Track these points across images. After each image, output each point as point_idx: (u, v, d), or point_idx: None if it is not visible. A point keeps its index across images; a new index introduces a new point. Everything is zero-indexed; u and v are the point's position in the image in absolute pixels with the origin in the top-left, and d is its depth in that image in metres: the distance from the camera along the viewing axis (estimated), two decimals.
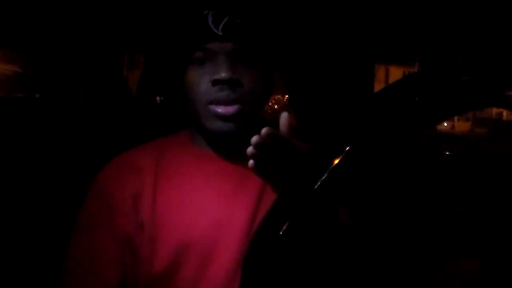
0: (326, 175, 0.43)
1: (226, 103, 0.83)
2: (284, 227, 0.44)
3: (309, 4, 1.52)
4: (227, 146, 0.91)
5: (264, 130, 0.71)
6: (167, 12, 0.90)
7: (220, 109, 0.83)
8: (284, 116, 0.76)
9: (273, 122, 0.85)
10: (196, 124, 0.89)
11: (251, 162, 0.74)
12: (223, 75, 0.82)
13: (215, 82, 0.83)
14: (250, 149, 0.72)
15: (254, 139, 0.72)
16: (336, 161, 0.44)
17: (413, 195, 1.56)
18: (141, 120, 1.82)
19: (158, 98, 1.91)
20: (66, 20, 1.66)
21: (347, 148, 0.44)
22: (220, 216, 0.86)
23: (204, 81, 0.84)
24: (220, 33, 0.83)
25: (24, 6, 1.54)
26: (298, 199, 0.45)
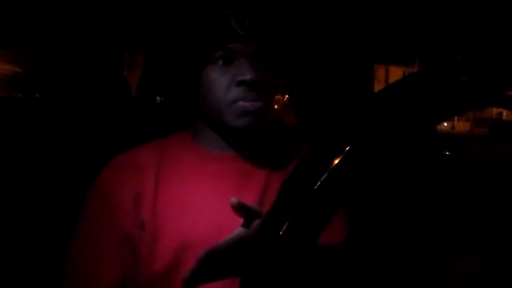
0: (326, 175, 0.43)
1: (252, 100, 0.85)
2: (284, 227, 0.44)
3: (309, 4, 1.52)
4: (232, 146, 0.92)
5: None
6: (185, 12, 0.91)
7: (249, 105, 0.84)
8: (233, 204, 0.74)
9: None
10: (213, 122, 0.90)
11: None
12: (248, 76, 0.83)
13: (241, 83, 0.84)
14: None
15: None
16: (336, 161, 0.44)
17: (413, 195, 1.56)
18: (141, 120, 1.82)
19: (158, 98, 1.91)
20: (66, 20, 1.66)
21: (347, 148, 0.44)
22: (221, 217, 0.86)
23: (226, 81, 0.85)
24: (244, 34, 0.84)
25: (24, 6, 1.54)
26: (298, 199, 0.45)
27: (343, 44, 1.64)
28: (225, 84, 0.85)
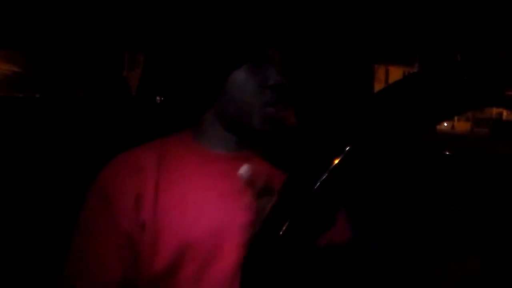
0: (326, 175, 0.43)
1: (282, 106, 0.86)
2: (284, 227, 0.44)
3: (309, 4, 1.52)
4: (237, 147, 0.92)
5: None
6: (219, 14, 0.92)
7: (280, 113, 0.86)
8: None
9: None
10: (234, 123, 0.90)
11: None
12: (280, 81, 0.85)
13: (273, 87, 0.85)
14: None
15: None
16: (336, 161, 0.44)
17: (413, 195, 1.56)
18: (141, 120, 1.82)
19: (158, 98, 1.90)
20: (66, 20, 1.66)
21: (347, 148, 0.44)
22: (222, 217, 0.86)
23: (256, 84, 0.86)
24: (275, 39, 0.86)
25: (24, 6, 1.54)
26: (298, 199, 0.45)
27: (343, 44, 1.64)
28: (256, 88, 0.86)
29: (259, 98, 0.86)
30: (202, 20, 0.96)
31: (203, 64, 0.91)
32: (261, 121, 0.86)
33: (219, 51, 0.89)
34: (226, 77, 0.88)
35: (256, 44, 0.86)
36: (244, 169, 0.74)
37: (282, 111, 0.86)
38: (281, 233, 0.44)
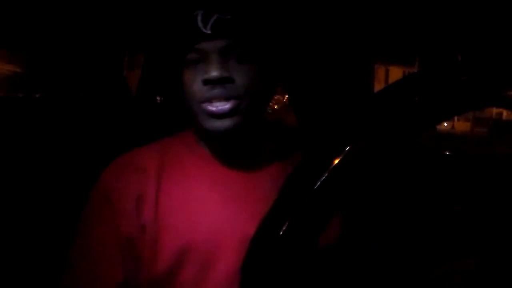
0: (326, 175, 0.43)
1: (218, 100, 0.82)
2: (284, 227, 0.44)
3: (309, 3, 1.52)
4: (231, 147, 0.91)
5: None
6: (159, 14, 0.90)
7: (213, 108, 0.82)
8: None
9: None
10: (195, 124, 0.89)
11: None
12: (212, 74, 0.81)
13: (206, 82, 0.82)
14: None
15: None
16: (336, 161, 0.44)
17: (413, 195, 1.56)
18: (141, 120, 1.82)
19: (158, 98, 1.91)
20: (66, 20, 1.66)
21: (347, 148, 0.44)
22: (223, 220, 0.86)
23: (196, 81, 0.84)
24: (209, 32, 0.83)
25: (24, 6, 1.54)
26: (298, 199, 0.45)
27: (343, 44, 1.64)
28: (195, 85, 0.84)
29: (196, 96, 0.84)
30: (149, 24, 0.95)
31: (161, 66, 0.91)
32: (202, 120, 0.84)
33: (164, 53, 0.88)
34: (176, 77, 0.86)
35: (186, 42, 0.84)
36: None
37: (217, 107, 0.82)
38: (281, 233, 0.44)
